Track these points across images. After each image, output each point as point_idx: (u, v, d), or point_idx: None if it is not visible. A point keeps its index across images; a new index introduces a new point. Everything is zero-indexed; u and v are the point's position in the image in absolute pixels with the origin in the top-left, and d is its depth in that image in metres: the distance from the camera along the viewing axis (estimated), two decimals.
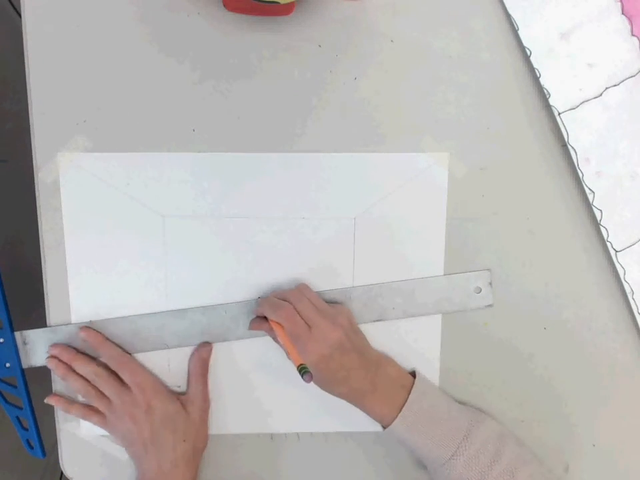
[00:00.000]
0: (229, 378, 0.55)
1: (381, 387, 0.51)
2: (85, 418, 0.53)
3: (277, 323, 0.49)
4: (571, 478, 0.58)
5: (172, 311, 0.54)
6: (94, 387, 0.52)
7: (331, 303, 0.53)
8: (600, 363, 0.56)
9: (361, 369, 0.50)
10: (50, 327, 0.54)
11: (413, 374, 0.54)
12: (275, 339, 0.52)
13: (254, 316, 0.53)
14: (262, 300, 0.52)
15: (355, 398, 0.51)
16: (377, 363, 0.52)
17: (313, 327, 0.48)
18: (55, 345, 0.53)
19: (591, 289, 0.55)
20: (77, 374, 0.52)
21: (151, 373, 0.54)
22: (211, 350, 0.54)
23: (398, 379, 0.52)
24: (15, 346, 0.53)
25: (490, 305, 0.55)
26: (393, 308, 0.54)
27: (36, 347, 0.53)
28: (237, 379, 0.55)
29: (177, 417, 0.52)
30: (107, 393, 0.52)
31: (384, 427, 0.51)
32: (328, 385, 0.50)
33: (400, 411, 0.50)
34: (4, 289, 0.52)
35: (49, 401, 0.53)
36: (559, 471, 0.57)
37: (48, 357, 0.53)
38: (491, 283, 0.54)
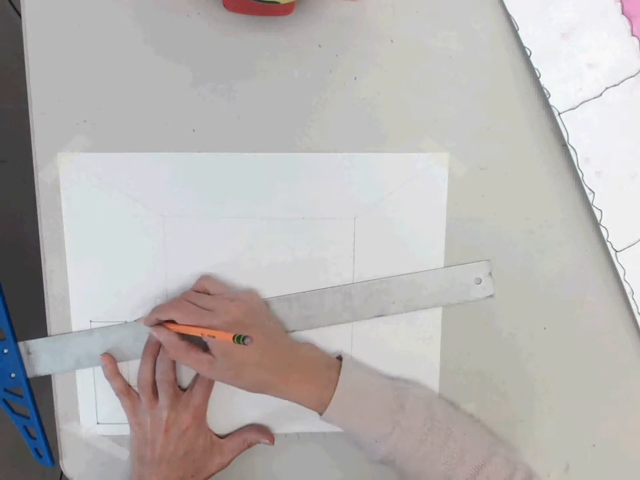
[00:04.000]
0: None
1: (306, 370, 0.49)
2: (120, 394, 0.53)
3: (179, 325, 0.48)
4: (571, 478, 0.58)
5: None
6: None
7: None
8: (600, 362, 0.56)
9: (274, 348, 0.48)
10: (52, 335, 0.54)
11: (339, 357, 0.53)
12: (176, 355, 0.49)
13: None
14: (154, 309, 0.51)
15: (275, 383, 0.48)
16: (295, 346, 0.50)
17: (211, 309, 0.48)
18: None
19: (591, 289, 0.55)
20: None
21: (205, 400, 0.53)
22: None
23: (322, 360, 0.51)
24: (19, 356, 0.53)
25: (491, 296, 0.54)
26: (394, 303, 0.54)
27: (40, 356, 0.53)
28: None
29: (200, 454, 0.53)
30: (161, 399, 0.52)
31: (320, 414, 0.49)
32: (240, 371, 0.47)
33: (333, 392, 0.48)
34: (5, 299, 0.52)
35: (102, 358, 0.53)
36: (559, 471, 0.57)
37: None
38: (490, 273, 0.54)
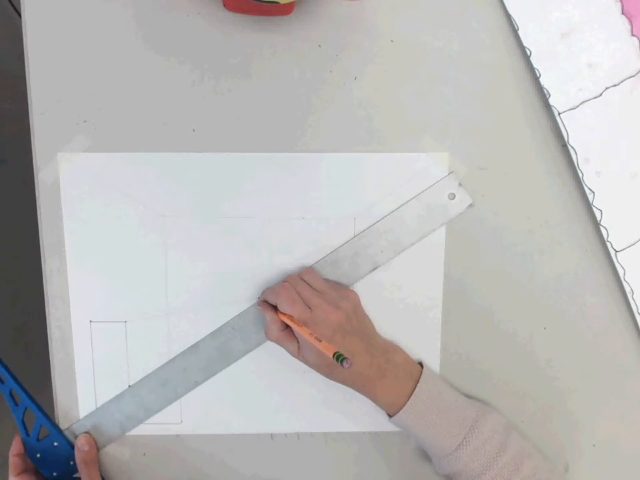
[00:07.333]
0: (229, 378, 0.55)
1: (389, 375, 0.50)
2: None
3: (285, 315, 0.49)
4: (571, 478, 0.58)
5: (184, 351, 0.54)
6: None
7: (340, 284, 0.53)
8: (600, 362, 0.56)
9: (365, 354, 0.49)
10: (82, 417, 0.55)
11: (420, 364, 0.54)
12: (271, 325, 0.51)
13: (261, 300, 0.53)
14: (265, 289, 0.53)
15: (361, 384, 0.50)
16: (384, 349, 0.52)
17: (313, 309, 0.48)
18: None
19: (591, 289, 0.55)
20: None
21: None
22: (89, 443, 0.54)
23: (406, 367, 0.52)
24: (70, 444, 0.55)
25: (471, 205, 0.53)
26: (382, 251, 0.53)
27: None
28: (237, 379, 0.55)
29: None
30: None
31: (390, 415, 0.51)
32: (331, 369, 0.49)
33: (407, 399, 0.50)
34: (42, 408, 0.54)
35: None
36: (558, 471, 0.57)
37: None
38: (460, 184, 0.53)
